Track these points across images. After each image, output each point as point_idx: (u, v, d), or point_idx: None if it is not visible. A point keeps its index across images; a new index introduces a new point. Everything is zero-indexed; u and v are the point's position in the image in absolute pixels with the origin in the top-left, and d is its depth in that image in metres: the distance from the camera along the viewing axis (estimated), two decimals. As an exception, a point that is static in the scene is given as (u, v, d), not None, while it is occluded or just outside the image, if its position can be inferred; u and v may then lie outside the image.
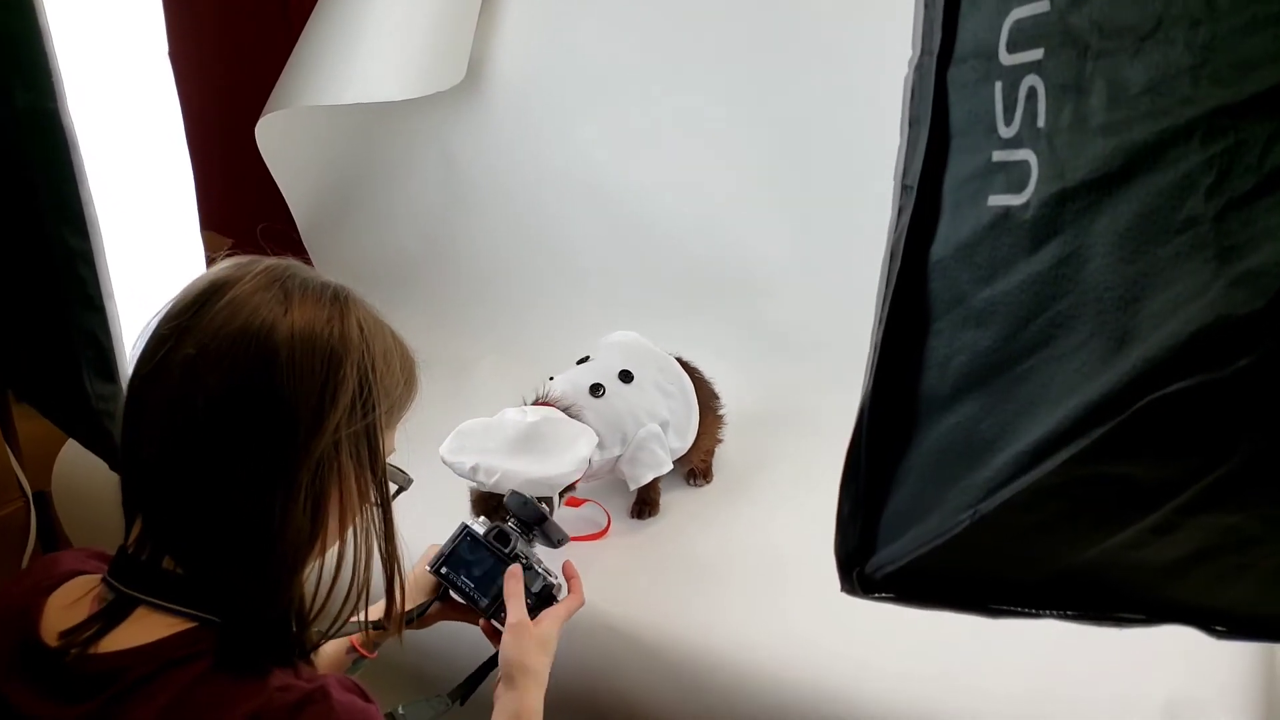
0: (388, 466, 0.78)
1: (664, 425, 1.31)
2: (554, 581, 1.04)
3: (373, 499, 0.76)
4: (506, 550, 1.03)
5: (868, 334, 1.63)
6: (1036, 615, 0.69)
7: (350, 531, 0.76)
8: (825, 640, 1.08)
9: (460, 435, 1.19)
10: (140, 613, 0.69)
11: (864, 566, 0.72)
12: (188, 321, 0.69)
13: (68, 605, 0.71)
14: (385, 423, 0.76)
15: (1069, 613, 0.69)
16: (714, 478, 1.42)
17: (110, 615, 0.69)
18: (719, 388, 1.43)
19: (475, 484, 1.18)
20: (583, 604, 1.04)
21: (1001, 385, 0.59)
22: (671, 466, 1.32)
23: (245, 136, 1.79)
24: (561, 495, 1.24)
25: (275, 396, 0.68)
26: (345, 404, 0.70)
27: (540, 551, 1.09)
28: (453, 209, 1.95)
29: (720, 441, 1.43)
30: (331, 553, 0.76)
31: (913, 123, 0.69)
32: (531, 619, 0.98)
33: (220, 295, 0.70)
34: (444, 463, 1.17)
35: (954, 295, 0.64)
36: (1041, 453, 0.55)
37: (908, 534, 0.67)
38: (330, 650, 1.03)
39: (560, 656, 0.99)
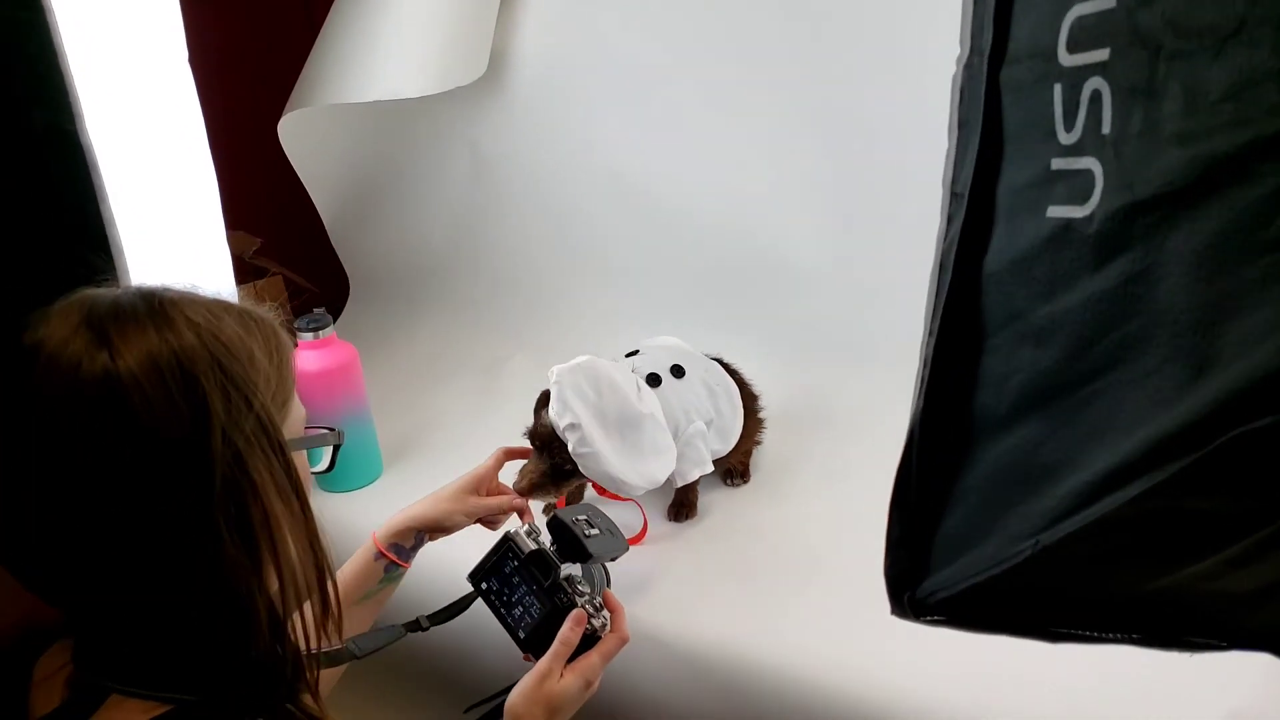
0: (308, 435, 0.74)
1: (709, 424, 1.29)
2: (598, 622, 0.96)
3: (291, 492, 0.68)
4: (547, 582, 0.96)
5: (906, 332, 1.58)
6: (1101, 639, 0.66)
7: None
8: (872, 647, 1.05)
9: (578, 378, 1.15)
10: (113, 700, 0.65)
11: (915, 590, 0.69)
12: (16, 405, 0.62)
13: (48, 678, 0.68)
14: (276, 405, 0.69)
15: (1135, 637, 0.65)
16: (751, 478, 1.39)
17: (81, 708, 0.64)
18: (754, 386, 1.40)
19: (558, 430, 1.14)
20: (626, 642, 0.96)
21: (1065, 408, 0.56)
22: (712, 467, 1.30)
23: (269, 135, 1.78)
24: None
25: (147, 447, 0.61)
26: (222, 415, 0.63)
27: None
28: (479, 204, 1.92)
29: (759, 443, 1.40)
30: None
31: (961, 125, 0.65)
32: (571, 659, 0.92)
33: (34, 360, 0.62)
34: (552, 383, 1.14)
35: (1010, 311, 0.60)
36: (1111, 483, 0.52)
37: (962, 559, 0.64)
38: (353, 569, 1.02)
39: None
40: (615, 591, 1.05)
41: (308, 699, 0.71)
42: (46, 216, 0.87)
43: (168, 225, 1.24)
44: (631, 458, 1.17)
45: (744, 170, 1.62)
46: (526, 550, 0.99)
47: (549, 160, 1.81)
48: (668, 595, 1.17)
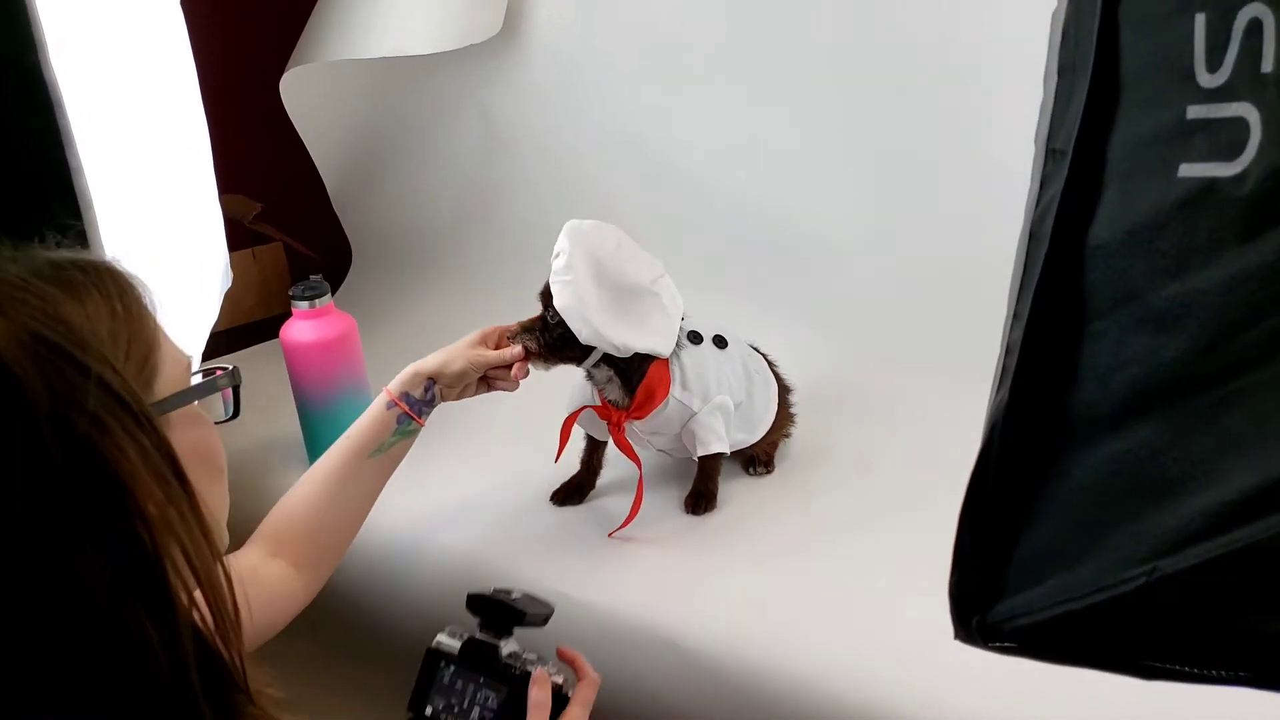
0: (191, 388, 0.61)
1: (737, 406, 1.21)
2: (560, 679, 0.87)
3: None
4: (496, 665, 0.87)
5: (949, 311, 1.50)
6: (1202, 678, 0.57)
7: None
8: (902, 655, 0.96)
9: (601, 230, 1.12)
10: None
11: (987, 613, 0.60)
12: None
13: None
14: (133, 366, 0.57)
15: (1243, 675, 0.56)
16: (775, 468, 1.30)
17: None
18: (788, 378, 1.32)
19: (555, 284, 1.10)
20: (598, 684, 0.90)
21: (1195, 410, 0.46)
22: (729, 451, 1.21)
23: (269, 92, 1.69)
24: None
25: None
26: (45, 401, 0.49)
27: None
28: (490, 168, 1.84)
29: (788, 436, 1.32)
30: None
31: (1062, 72, 0.55)
32: None
33: None
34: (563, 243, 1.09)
35: (1123, 290, 0.50)
36: (1258, 505, 0.42)
37: (1051, 581, 0.55)
38: (365, 421, 1.02)
39: (606, 671, 0.90)
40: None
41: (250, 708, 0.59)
42: (3, 158, 0.77)
43: (153, 182, 1.15)
44: (617, 316, 1.11)
45: (771, 134, 1.53)
46: (458, 646, 0.89)
47: (564, 124, 1.72)
48: (682, 593, 1.09)
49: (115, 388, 0.51)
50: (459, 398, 1.11)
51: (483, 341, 1.11)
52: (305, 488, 0.99)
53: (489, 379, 1.12)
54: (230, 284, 1.39)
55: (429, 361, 1.07)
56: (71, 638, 0.49)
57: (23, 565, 0.48)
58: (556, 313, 1.09)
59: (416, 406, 1.05)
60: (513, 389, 1.13)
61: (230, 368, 0.67)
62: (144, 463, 0.51)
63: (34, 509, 0.48)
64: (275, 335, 1.35)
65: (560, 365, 1.14)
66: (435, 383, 1.07)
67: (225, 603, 0.56)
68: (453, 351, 1.09)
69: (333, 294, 1.32)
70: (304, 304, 1.28)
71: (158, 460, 0.52)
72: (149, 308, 0.60)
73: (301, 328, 1.28)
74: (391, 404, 1.03)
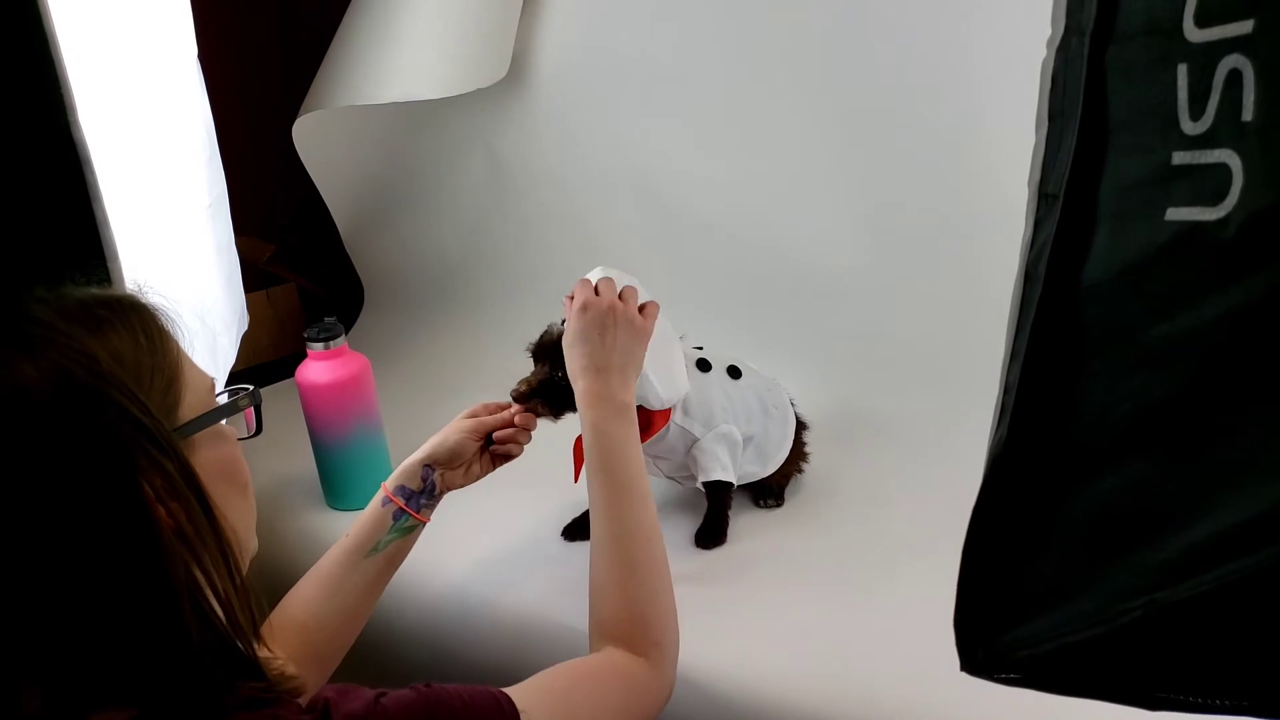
0: (216, 408, 0.65)
1: (747, 440, 1.22)
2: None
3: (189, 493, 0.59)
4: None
5: (951, 344, 1.50)
6: (1206, 707, 0.57)
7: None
8: (915, 693, 0.96)
9: (625, 278, 1.11)
10: None
11: (991, 645, 0.61)
12: None
13: None
14: (158, 392, 0.61)
15: (1244, 704, 0.57)
16: (785, 501, 1.31)
17: None
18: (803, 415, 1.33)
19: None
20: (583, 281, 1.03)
21: (1187, 445, 0.48)
22: (736, 482, 1.22)
23: (283, 137, 1.72)
24: None
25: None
26: (90, 439, 0.54)
27: None
28: (497, 210, 1.86)
29: (801, 472, 1.32)
30: None
31: (1053, 117, 0.57)
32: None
33: None
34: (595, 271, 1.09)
35: (1116, 329, 0.52)
36: (1249, 538, 0.44)
37: (1053, 613, 0.56)
38: (361, 519, 0.99)
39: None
40: None
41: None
42: (33, 215, 0.80)
43: (173, 230, 1.17)
44: (653, 367, 1.09)
45: (773, 173, 1.55)
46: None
47: (569, 166, 1.75)
48: (693, 626, 1.08)
49: (140, 419, 0.56)
50: (465, 481, 1.07)
51: (472, 414, 1.09)
52: (304, 587, 0.97)
53: (492, 452, 1.09)
54: (247, 325, 1.41)
55: (421, 449, 1.04)
56: (94, 634, 0.55)
57: (53, 579, 0.54)
58: (564, 374, 1.06)
59: (414, 500, 1.00)
60: (518, 453, 1.10)
61: (250, 388, 0.72)
62: (167, 488, 0.57)
63: (64, 535, 0.53)
64: (290, 375, 1.37)
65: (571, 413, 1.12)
66: (432, 469, 1.03)
67: (239, 610, 0.61)
68: (444, 431, 1.06)
69: (346, 334, 1.34)
70: (319, 345, 1.30)
71: (180, 484, 0.57)
72: (173, 335, 0.65)
73: (316, 369, 1.30)
74: (386, 500, 0.99)
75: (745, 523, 1.27)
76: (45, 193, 0.81)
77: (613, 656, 0.85)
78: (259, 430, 0.76)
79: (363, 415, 1.34)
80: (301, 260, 1.98)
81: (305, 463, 1.38)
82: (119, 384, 0.57)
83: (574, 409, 1.08)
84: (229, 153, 1.31)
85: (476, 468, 1.08)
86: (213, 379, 0.68)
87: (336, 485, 1.36)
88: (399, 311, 1.96)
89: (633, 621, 0.87)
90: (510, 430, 1.09)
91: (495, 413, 1.10)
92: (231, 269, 1.36)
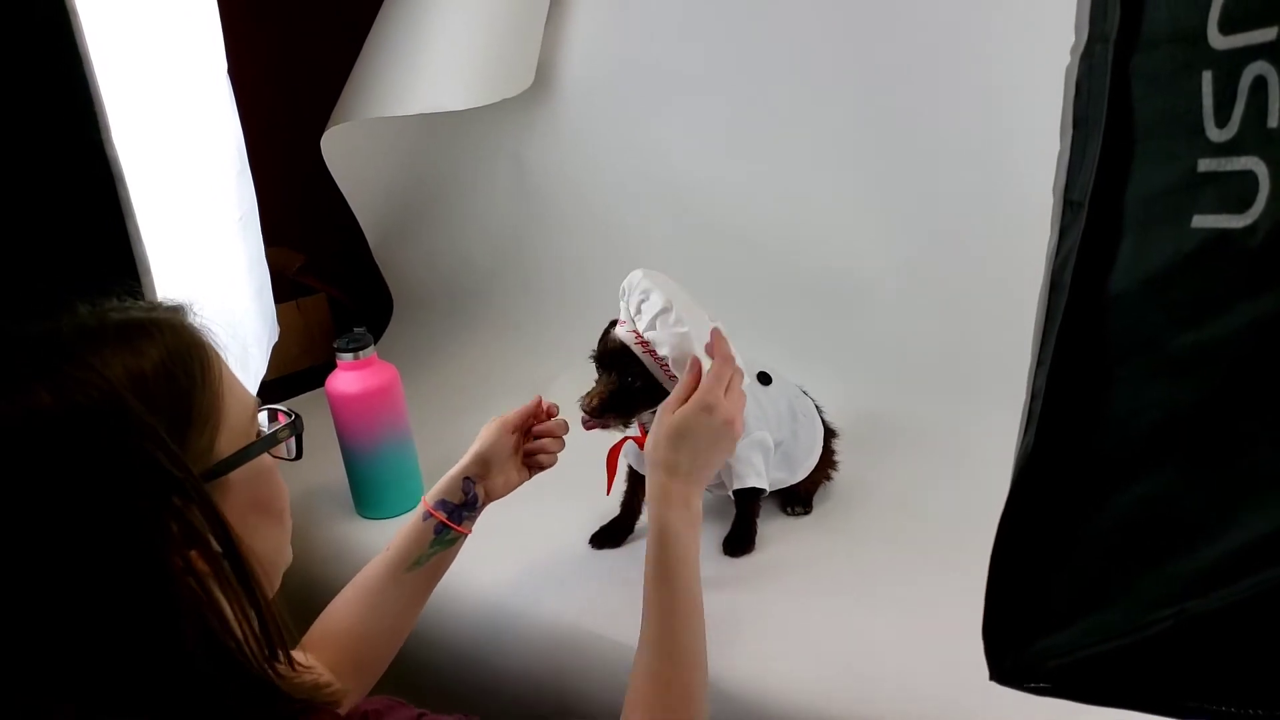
0: (255, 443, 0.64)
1: (777, 444, 1.22)
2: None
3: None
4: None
5: (981, 352, 1.49)
6: (1239, 717, 0.57)
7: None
8: (948, 703, 0.96)
9: (669, 284, 1.09)
10: None
11: (1020, 654, 0.61)
12: None
13: None
14: (197, 426, 0.60)
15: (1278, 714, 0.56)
16: (814, 509, 1.31)
17: None
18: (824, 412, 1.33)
19: (645, 319, 1.06)
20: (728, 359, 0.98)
21: (1214, 454, 0.48)
22: (767, 489, 1.22)
23: (312, 149, 1.74)
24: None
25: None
26: (104, 484, 0.54)
27: None
28: (525, 218, 1.87)
29: (830, 479, 1.32)
30: None
31: (1078, 124, 0.56)
32: None
33: None
34: (638, 279, 1.07)
35: (1142, 337, 0.52)
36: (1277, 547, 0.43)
37: (1081, 623, 0.56)
38: (402, 533, 0.98)
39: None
40: None
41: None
42: (65, 231, 0.82)
43: (205, 242, 1.19)
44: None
45: (803, 180, 1.54)
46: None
47: (597, 174, 1.75)
48: (721, 634, 1.08)
49: (164, 465, 0.55)
50: (504, 491, 1.06)
51: (503, 426, 1.07)
52: (346, 598, 0.97)
53: (529, 460, 1.09)
54: (278, 337, 1.43)
55: (460, 462, 1.04)
56: (99, 655, 0.55)
57: (56, 599, 0.54)
58: (638, 377, 1.06)
59: (455, 514, 1.00)
60: (551, 463, 1.10)
61: (293, 417, 0.70)
62: (185, 536, 0.56)
63: (74, 577, 0.53)
64: (320, 384, 1.38)
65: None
66: (473, 481, 1.02)
67: (258, 638, 0.60)
68: (480, 441, 1.05)
69: (375, 344, 1.35)
70: (348, 356, 1.31)
71: (201, 529, 0.57)
72: (215, 362, 0.63)
73: (346, 379, 1.31)
74: (428, 514, 0.99)
75: (773, 530, 1.27)
76: (80, 208, 0.83)
77: None
78: (299, 455, 0.74)
79: (392, 424, 1.35)
80: (331, 270, 2.00)
81: (335, 472, 1.39)
82: (146, 429, 0.55)
83: (644, 410, 1.09)
84: (259, 166, 1.33)
85: (514, 475, 1.07)
86: (255, 401, 0.66)
87: (366, 494, 1.38)
88: (427, 321, 1.98)
89: None
90: (543, 440, 1.09)
91: (523, 415, 1.09)
92: (262, 282, 1.37)
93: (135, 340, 0.59)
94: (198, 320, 0.64)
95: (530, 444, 1.09)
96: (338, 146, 1.75)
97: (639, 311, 1.08)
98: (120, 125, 0.87)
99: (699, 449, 0.94)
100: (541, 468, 1.10)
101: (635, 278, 1.09)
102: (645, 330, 1.07)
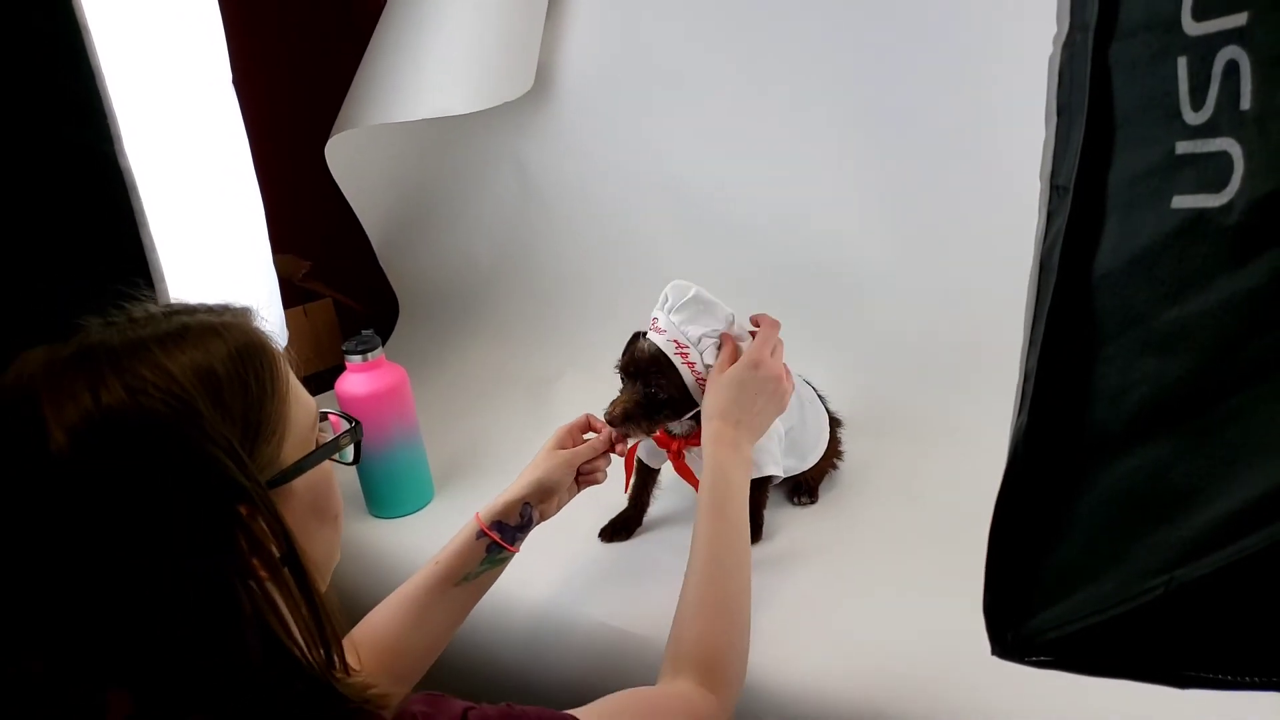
0: (318, 450, 0.66)
1: (788, 430, 1.23)
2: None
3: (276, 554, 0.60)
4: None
5: (981, 337, 1.51)
6: (1235, 684, 0.58)
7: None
8: (958, 684, 0.98)
9: (708, 297, 1.12)
10: None
11: (1020, 628, 0.62)
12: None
13: None
14: (264, 436, 0.61)
15: (1275, 680, 0.58)
16: (819, 498, 1.32)
17: None
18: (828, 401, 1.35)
19: (690, 339, 1.09)
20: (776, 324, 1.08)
21: (1200, 425, 0.49)
22: (782, 475, 1.23)
23: (316, 156, 1.76)
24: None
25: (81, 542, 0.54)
26: (168, 488, 0.55)
27: None
28: (528, 220, 1.89)
29: (835, 468, 1.34)
30: None
31: (1061, 111, 0.58)
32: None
33: None
34: (689, 294, 1.10)
35: (1128, 315, 0.53)
36: (1263, 513, 0.45)
37: (1076, 595, 0.58)
38: (454, 548, 0.98)
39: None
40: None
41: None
42: (81, 241, 0.84)
43: (213, 250, 1.21)
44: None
45: (801, 174, 1.56)
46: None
47: (597, 174, 1.77)
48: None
49: (233, 474, 0.56)
50: (556, 510, 1.08)
51: (559, 444, 1.09)
52: (389, 608, 0.97)
53: (580, 482, 1.11)
54: (286, 343, 1.44)
55: (519, 485, 1.04)
56: (158, 650, 0.56)
57: (130, 606, 0.55)
58: (664, 389, 1.08)
59: (510, 534, 1.01)
60: (604, 479, 1.13)
61: (353, 423, 0.73)
62: (250, 543, 0.57)
63: (140, 577, 0.55)
64: (328, 388, 1.40)
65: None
66: (531, 505, 1.04)
67: (313, 637, 0.61)
68: (538, 467, 1.06)
69: (383, 346, 1.37)
70: (357, 358, 1.33)
71: (264, 537, 0.58)
72: (283, 367, 0.64)
73: (356, 381, 1.33)
74: (481, 533, 1.00)
75: (780, 519, 1.28)
76: (95, 218, 0.85)
77: (684, 690, 0.84)
78: (357, 460, 0.76)
79: (401, 424, 1.37)
80: (337, 275, 2.02)
81: (346, 472, 1.40)
82: (219, 440, 0.56)
83: (668, 420, 1.12)
84: (265, 173, 1.35)
85: (567, 496, 1.10)
86: (316, 408, 0.68)
87: (378, 494, 1.40)
88: (434, 322, 1.99)
89: (714, 654, 0.87)
90: (596, 461, 1.11)
91: (576, 434, 1.12)
92: (271, 288, 1.39)
93: (207, 342, 0.60)
94: (264, 329, 0.65)
95: (585, 465, 1.11)
96: (341, 153, 1.77)
97: (693, 321, 1.10)
98: (130, 136, 0.89)
99: (749, 400, 1.03)
100: (595, 483, 1.13)
101: (682, 287, 1.11)
102: (702, 338, 1.09)
